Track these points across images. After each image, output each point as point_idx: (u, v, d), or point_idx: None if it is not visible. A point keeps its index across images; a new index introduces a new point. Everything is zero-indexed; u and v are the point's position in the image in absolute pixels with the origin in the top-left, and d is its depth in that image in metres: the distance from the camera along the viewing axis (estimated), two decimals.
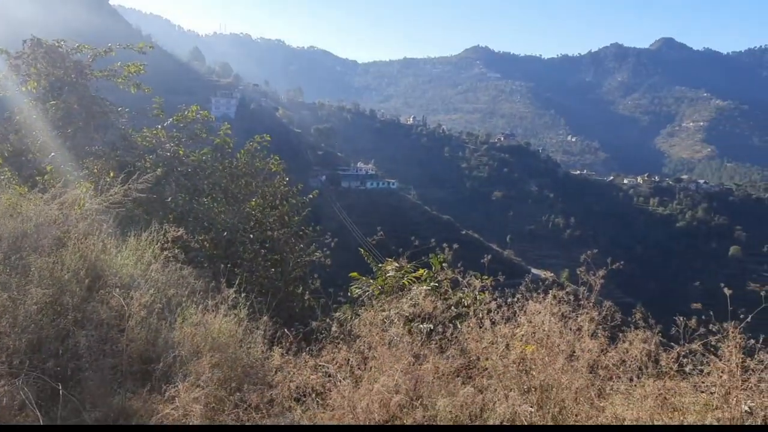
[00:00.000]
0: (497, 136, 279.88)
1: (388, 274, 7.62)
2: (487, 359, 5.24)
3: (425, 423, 4.62)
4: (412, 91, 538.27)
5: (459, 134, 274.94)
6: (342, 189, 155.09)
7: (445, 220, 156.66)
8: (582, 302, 5.39)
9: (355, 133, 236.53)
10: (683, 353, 4.64)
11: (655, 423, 4.35)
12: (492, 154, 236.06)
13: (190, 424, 4.39)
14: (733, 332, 4.43)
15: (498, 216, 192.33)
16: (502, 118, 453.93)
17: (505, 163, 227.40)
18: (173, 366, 5.02)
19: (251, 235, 10.59)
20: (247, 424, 4.60)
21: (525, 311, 5.43)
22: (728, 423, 4.17)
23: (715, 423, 4.22)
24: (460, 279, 6.71)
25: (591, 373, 4.89)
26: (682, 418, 4.35)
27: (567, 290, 5.57)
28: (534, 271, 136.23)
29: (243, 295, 6.15)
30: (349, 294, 7.94)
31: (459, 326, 5.76)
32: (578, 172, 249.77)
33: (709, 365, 4.46)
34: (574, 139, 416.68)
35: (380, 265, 8.09)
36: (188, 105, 12.20)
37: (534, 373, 4.96)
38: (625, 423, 4.41)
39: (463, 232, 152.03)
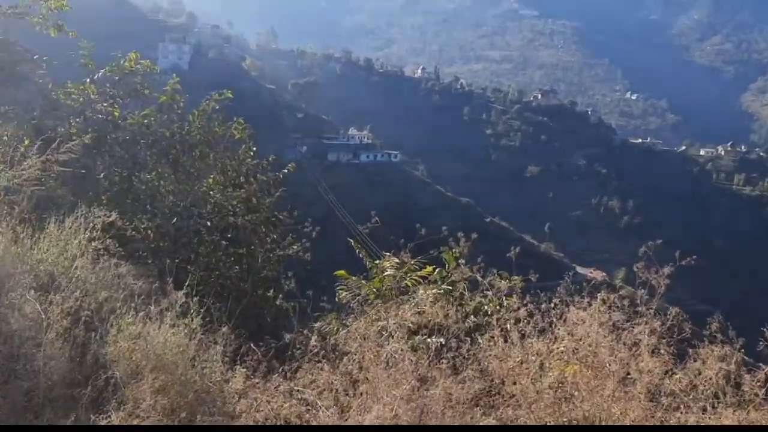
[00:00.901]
0: (533, 93, 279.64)
1: (385, 273, 7.63)
2: (514, 383, 5.26)
3: None
4: (420, 35, 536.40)
5: (482, 91, 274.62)
6: (328, 163, 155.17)
7: (463, 204, 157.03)
8: (640, 309, 5.40)
9: (345, 89, 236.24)
10: None
11: None
12: (526, 117, 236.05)
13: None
14: None
15: (533, 198, 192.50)
16: (539, 70, 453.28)
17: (543, 129, 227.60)
18: (105, 391, 5.04)
19: (208, 222, 10.61)
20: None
21: (565, 321, 5.44)
22: None
23: None
24: (481, 279, 6.72)
25: (651, 401, 4.91)
26: None
27: (621, 293, 5.57)
28: (579, 269, 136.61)
29: (197, 299, 6.16)
30: (336, 299, 7.96)
31: (478, 340, 5.78)
32: (640, 140, 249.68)
33: None
34: (634, 97, 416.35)
35: (376, 261, 8.09)
36: (126, 53, 12.15)
37: (576, 402, 4.98)
38: None
39: (487, 220, 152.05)
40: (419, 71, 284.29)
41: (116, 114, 11.42)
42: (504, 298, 6.62)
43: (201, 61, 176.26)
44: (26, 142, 9.51)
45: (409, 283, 7.44)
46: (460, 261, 7.58)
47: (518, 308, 5.81)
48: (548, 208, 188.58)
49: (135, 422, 4.67)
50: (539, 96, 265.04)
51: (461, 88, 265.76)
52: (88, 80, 11.65)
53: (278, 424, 5.02)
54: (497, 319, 5.98)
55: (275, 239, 11.58)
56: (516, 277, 7.11)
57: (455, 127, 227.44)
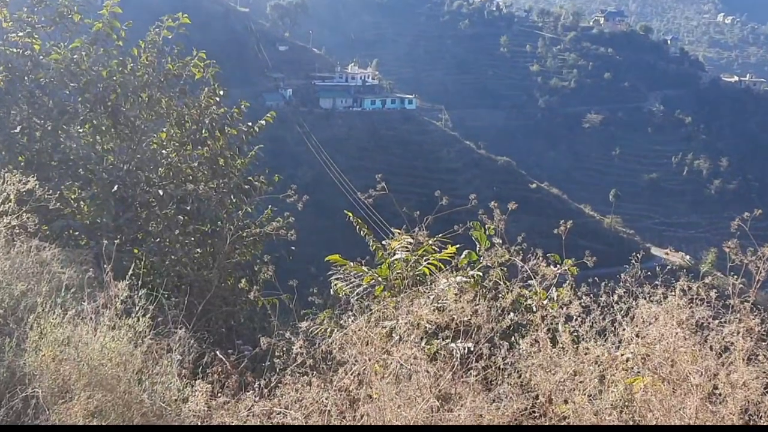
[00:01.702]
0: (593, 16, 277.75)
1: (395, 257, 7.62)
2: (565, 401, 5.26)
3: None
4: None
5: (526, 13, 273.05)
6: (320, 111, 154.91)
7: (500, 165, 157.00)
8: (733, 303, 5.37)
9: (343, 12, 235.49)
10: None
11: None
12: (583, 49, 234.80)
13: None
14: None
15: (593, 157, 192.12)
16: None
17: (607, 64, 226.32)
18: (24, 414, 5.06)
19: (160, 191, 10.61)
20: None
21: (633, 319, 5.42)
22: None
23: None
24: (522, 264, 6.70)
25: (746, 423, 4.90)
26: None
27: (708, 282, 5.55)
28: (654, 250, 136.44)
29: (144, 293, 6.16)
30: (329, 291, 7.97)
31: (518, 345, 5.77)
32: (736, 78, 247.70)
33: None
34: (728, 21, 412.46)
35: (382, 241, 8.07)
36: None
37: (648, 425, 4.98)
38: None
39: (532, 185, 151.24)
40: None
41: (36, 47, 11.39)
42: (552, 289, 6.61)
43: None
44: None
45: (426, 270, 7.43)
46: (494, 240, 7.55)
47: (570, 302, 5.79)
48: (613, 170, 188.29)
49: None
50: (602, 21, 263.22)
51: (497, 11, 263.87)
52: None
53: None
54: (543, 317, 5.96)
55: (249, 213, 11.59)
56: (568, 261, 7.09)
57: (490, 62, 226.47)
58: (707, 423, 4.92)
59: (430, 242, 7.72)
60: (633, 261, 6.31)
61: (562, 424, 5.08)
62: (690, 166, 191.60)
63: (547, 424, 5.11)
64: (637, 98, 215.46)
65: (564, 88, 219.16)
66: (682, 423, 4.93)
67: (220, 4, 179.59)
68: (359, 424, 4.86)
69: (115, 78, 11.45)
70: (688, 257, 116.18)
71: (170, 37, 12.11)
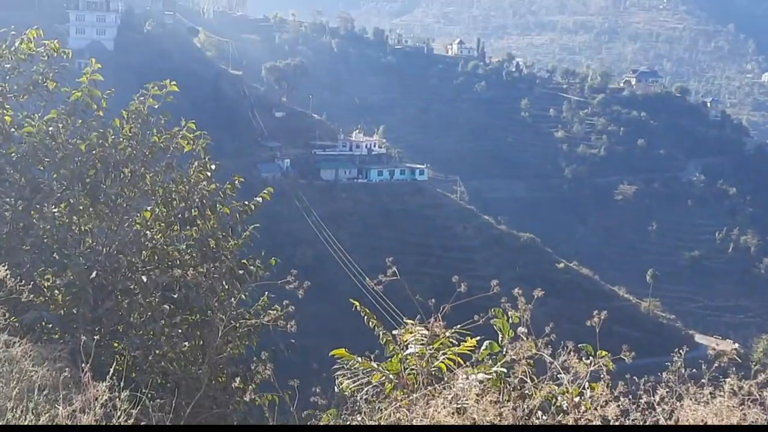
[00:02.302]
0: (623, 76, 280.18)
1: (408, 351, 7.59)
2: None
3: None
4: None
5: (549, 74, 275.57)
6: (322, 184, 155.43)
7: (523, 242, 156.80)
8: None
9: (346, 75, 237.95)
10: None
11: None
12: (613, 113, 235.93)
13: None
14: None
15: (628, 232, 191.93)
16: (631, 42, 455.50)
17: (640, 129, 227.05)
18: None
19: (144, 278, 10.61)
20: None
21: (677, 422, 5.38)
22: None
23: None
24: (550, 359, 6.67)
25: None
26: None
27: (762, 378, 5.52)
28: (699, 338, 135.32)
29: (127, 394, 6.14)
30: (334, 389, 7.92)
31: None
32: None
33: None
34: None
35: (394, 332, 8.05)
36: (21, 28, 12.27)
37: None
38: None
39: (560, 265, 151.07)
40: (454, 47, 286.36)
41: (7, 119, 11.48)
42: (586, 386, 6.57)
43: (132, 38, 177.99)
44: None
45: (443, 366, 7.40)
46: (519, 330, 7.53)
47: (607, 403, 5.76)
48: (650, 247, 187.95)
49: None
50: (633, 81, 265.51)
51: (517, 71, 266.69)
52: None
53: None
54: (576, 419, 5.92)
55: (243, 301, 11.54)
56: (603, 353, 7.05)
57: (509, 127, 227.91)
58: None
59: (448, 334, 7.69)
60: (677, 353, 6.28)
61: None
62: (736, 243, 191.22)
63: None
64: (675, 167, 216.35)
65: (593, 156, 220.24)
66: None
67: (210, 67, 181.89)
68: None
69: (94, 152, 11.47)
70: (736, 345, 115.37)
71: (156, 106, 12.19)
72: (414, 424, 6.01)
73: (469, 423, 6.13)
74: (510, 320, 7.77)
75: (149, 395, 6.70)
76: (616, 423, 5.58)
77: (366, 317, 8.82)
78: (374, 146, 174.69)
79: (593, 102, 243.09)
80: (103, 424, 5.92)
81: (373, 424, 4.96)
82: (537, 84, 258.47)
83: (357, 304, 9.09)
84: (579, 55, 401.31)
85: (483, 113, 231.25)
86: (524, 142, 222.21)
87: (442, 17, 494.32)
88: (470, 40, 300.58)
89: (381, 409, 6.73)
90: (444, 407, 6.22)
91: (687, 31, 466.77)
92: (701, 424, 5.10)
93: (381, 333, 8.31)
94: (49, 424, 5.42)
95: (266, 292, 11.99)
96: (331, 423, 7.40)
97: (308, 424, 7.26)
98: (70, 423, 5.78)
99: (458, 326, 7.85)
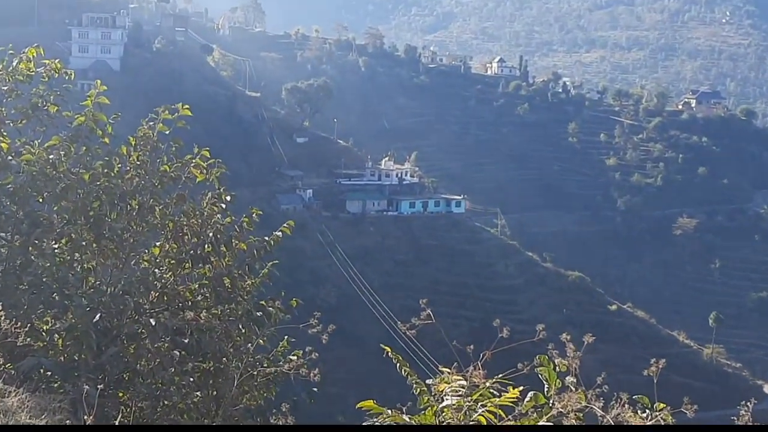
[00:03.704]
0: (682, 98, 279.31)
1: (444, 403, 7.57)
2: None
3: None
4: (495, 10, 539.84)
5: (599, 95, 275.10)
6: (348, 217, 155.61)
7: (571, 281, 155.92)
8: None
9: (375, 96, 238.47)
10: None
11: None
12: (671, 138, 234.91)
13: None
14: None
15: (688, 270, 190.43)
16: (691, 60, 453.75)
17: (701, 156, 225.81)
18: None
19: (152, 321, 10.63)
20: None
21: None
22: None
23: None
24: (602, 413, 6.64)
25: None
26: None
27: None
28: None
29: None
30: None
31: None
32: None
33: None
34: None
35: (428, 381, 8.03)
36: (20, 46, 12.36)
37: None
38: None
39: (612, 307, 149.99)
40: (494, 65, 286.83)
41: (4, 146, 11.56)
42: None
43: (140, 56, 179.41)
44: None
45: (482, 419, 7.37)
46: (567, 380, 7.50)
47: None
48: (713, 287, 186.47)
49: None
50: (693, 102, 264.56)
51: (563, 92, 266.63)
52: None
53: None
54: None
55: (261, 346, 11.53)
56: (661, 406, 7.01)
57: (555, 154, 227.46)
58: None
59: (488, 384, 7.66)
60: (744, 406, 6.25)
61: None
62: None
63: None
64: (740, 198, 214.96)
65: (648, 186, 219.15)
66: None
67: (226, 88, 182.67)
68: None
69: (99, 182, 11.52)
70: None
71: (167, 132, 12.23)
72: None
73: None
74: (557, 369, 7.73)
75: None
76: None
77: (398, 364, 8.80)
78: (406, 175, 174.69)
79: (648, 126, 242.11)
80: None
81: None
82: (586, 106, 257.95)
83: (388, 350, 9.07)
84: (632, 74, 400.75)
85: (526, 138, 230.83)
86: (572, 171, 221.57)
87: (480, 33, 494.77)
88: (512, 58, 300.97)
89: None
90: None
91: (753, 47, 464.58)
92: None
93: (414, 382, 8.29)
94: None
95: (286, 337, 11.97)
96: None
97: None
98: None
99: (500, 375, 7.82)
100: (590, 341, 7.64)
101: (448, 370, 7.98)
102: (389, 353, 9.02)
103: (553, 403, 7.37)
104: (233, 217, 12.23)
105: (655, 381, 6.95)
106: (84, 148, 11.77)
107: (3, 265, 10.55)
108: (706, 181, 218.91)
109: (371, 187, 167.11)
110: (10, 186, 11.27)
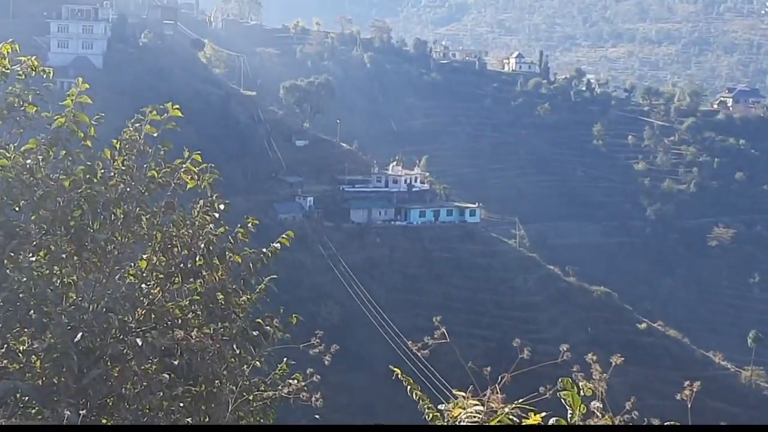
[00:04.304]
0: (717, 96, 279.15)
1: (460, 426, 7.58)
2: None
3: None
4: (512, 0, 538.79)
5: (627, 94, 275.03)
6: (352, 227, 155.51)
7: (596, 297, 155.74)
8: None
9: (382, 95, 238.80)
10: None
11: None
12: (706, 140, 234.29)
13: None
14: None
15: (725, 285, 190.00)
16: (726, 55, 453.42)
17: (738, 160, 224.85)
18: None
19: (139, 340, 10.63)
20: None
21: None
22: None
23: None
24: None
25: None
26: None
27: None
28: None
29: None
30: None
31: None
32: None
33: None
34: None
35: (441, 406, 8.02)
36: None
37: None
38: None
39: (641, 325, 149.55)
40: (512, 61, 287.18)
41: None
42: None
43: (125, 52, 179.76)
44: None
45: None
46: (593, 405, 7.50)
47: None
48: (752, 304, 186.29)
49: None
50: (729, 101, 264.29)
51: (587, 90, 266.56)
52: None
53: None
54: None
55: (257, 368, 11.53)
56: None
57: (578, 158, 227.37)
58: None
59: (507, 409, 7.66)
60: None
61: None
62: None
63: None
64: None
65: (681, 193, 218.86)
66: None
67: (218, 87, 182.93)
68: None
69: (80, 189, 11.48)
70: None
71: (155, 134, 12.22)
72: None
73: None
74: (582, 393, 7.73)
75: None
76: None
77: (408, 387, 8.81)
78: (415, 181, 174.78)
79: (681, 127, 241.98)
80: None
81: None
82: (612, 106, 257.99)
83: (398, 371, 9.08)
84: (663, 70, 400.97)
85: (547, 141, 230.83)
86: (597, 177, 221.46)
87: (496, 26, 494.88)
88: (531, 53, 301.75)
89: None
90: None
91: None
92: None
93: (426, 407, 8.30)
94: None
95: (285, 358, 11.96)
96: None
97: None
98: None
99: (520, 400, 7.82)
100: (619, 362, 7.65)
101: (464, 394, 7.99)
102: (399, 375, 9.02)
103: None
104: (227, 228, 12.19)
105: (689, 406, 6.94)
106: (64, 152, 11.71)
107: None
108: (743, 187, 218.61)
109: (377, 195, 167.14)
110: None
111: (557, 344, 8.53)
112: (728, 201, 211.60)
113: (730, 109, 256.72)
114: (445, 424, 7.85)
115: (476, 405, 7.76)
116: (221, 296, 11.69)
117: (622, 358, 7.73)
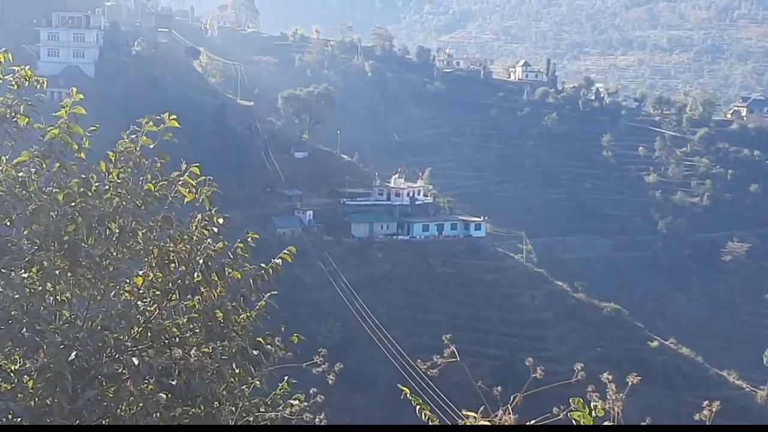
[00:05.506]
0: (731, 106, 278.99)
1: None
2: None
3: None
4: (518, 7, 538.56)
5: (637, 103, 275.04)
6: (353, 242, 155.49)
7: (606, 314, 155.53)
8: None
9: (384, 105, 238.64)
10: None
11: None
12: (719, 151, 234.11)
13: None
14: None
15: (740, 302, 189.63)
16: (741, 63, 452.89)
17: (753, 172, 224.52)
18: None
19: (135, 359, 10.61)
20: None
21: None
22: None
23: None
24: None
25: None
26: None
27: None
28: None
29: None
30: None
31: None
32: None
33: None
34: None
35: (451, 425, 8.02)
36: None
37: None
38: None
39: (653, 343, 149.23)
40: (518, 70, 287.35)
41: None
42: None
43: (118, 61, 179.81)
44: None
45: None
46: (606, 426, 7.50)
47: None
48: (767, 319, 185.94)
49: None
50: (743, 111, 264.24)
51: (596, 100, 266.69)
52: None
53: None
54: None
55: (258, 388, 11.51)
56: None
57: (587, 170, 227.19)
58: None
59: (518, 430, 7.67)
60: None
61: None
62: None
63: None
64: None
65: (694, 206, 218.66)
66: None
67: (214, 97, 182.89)
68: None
69: (74, 203, 11.48)
70: None
71: (151, 146, 12.21)
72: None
73: None
74: (594, 414, 7.73)
75: None
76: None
77: (417, 407, 8.80)
78: (418, 194, 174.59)
79: (693, 138, 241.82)
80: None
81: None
82: (622, 116, 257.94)
83: (407, 390, 9.07)
84: (675, 79, 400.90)
85: (554, 152, 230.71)
86: (607, 189, 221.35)
87: (502, 33, 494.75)
88: (538, 62, 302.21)
89: None
90: None
91: None
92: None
93: (434, 425, 8.30)
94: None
95: (286, 378, 11.93)
96: None
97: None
98: None
99: (531, 421, 7.82)
100: (635, 382, 7.65)
101: (474, 415, 7.99)
102: (408, 395, 9.02)
103: None
104: (226, 243, 12.16)
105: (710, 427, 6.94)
106: (57, 164, 11.70)
107: None
108: (758, 199, 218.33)
109: (379, 209, 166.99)
110: None
111: (565, 363, 8.56)
112: (743, 214, 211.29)
113: (744, 119, 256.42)
114: None
115: (487, 425, 7.77)
116: (220, 314, 11.63)
117: (639, 377, 7.73)
